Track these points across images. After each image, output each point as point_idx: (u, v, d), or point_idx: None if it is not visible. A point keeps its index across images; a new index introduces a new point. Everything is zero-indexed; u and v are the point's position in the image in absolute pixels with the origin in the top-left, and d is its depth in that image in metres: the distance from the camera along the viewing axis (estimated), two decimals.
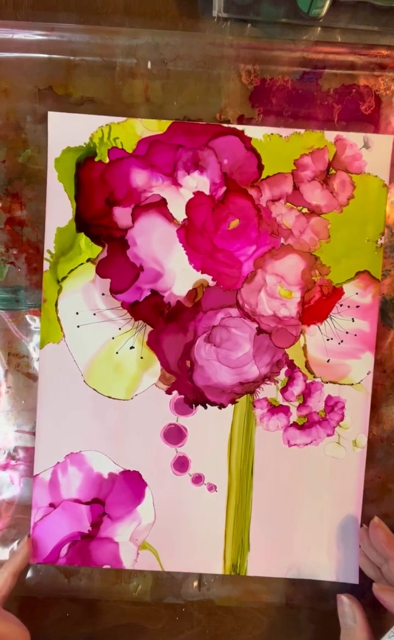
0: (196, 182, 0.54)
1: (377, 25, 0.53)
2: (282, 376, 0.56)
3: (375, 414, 0.56)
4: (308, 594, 0.56)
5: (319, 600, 0.56)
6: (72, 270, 0.54)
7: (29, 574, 0.56)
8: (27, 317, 0.55)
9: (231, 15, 0.53)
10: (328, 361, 0.56)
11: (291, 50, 0.53)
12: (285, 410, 0.56)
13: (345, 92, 0.54)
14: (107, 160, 0.54)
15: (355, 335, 0.56)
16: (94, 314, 0.55)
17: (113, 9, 0.54)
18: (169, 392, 0.55)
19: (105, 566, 0.55)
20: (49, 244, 0.54)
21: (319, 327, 0.55)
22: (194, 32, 0.54)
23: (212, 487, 0.56)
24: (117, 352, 0.55)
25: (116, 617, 0.56)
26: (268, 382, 0.56)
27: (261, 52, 0.53)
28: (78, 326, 0.55)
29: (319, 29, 0.54)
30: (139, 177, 0.54)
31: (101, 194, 0.54)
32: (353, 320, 0.55)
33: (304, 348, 0.55)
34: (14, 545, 0.55)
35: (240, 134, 0.54)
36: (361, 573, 0.55)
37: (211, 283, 0.55)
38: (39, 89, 0.53)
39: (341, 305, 0.55)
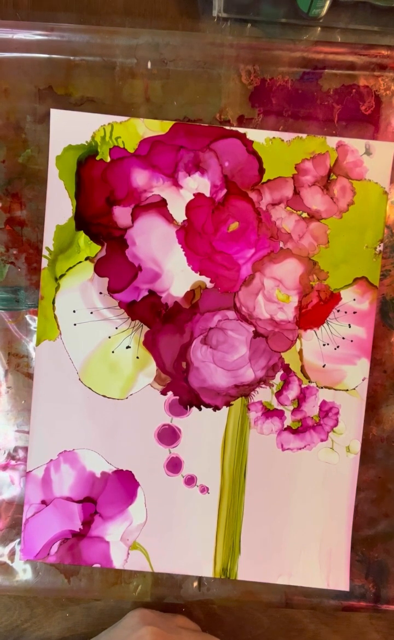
0: (197, 184, 0.54)
1: (377, 25, 0.52)
2: (277, 380, 0.55)
3: (375, 414, 0.56)
4: (308, 594, 0.56)
5: (319, 600, 0.56)
6: (70, 268, 0.54)
7: (29, 574, 0.56)
8: (27, 317, 0.55)
9: (231, 15, 0.52)
10: (324, 366, 0.55)
11: (291, 50, 0.52)
12: (279, 414, 0.55)
13: (345, 92, 0.53)
14: (108, 159, 0.54)
15: (351, 341, 0.55)
16: (91, 313, 0.55)
17: (113, 9, 0.54)
18: (164, 392, 0.55)
19: (95, 565, 0.55)
20: (48, 242, 0.54)
21: (315, 332, 0.55)
22: (194, 32, 0.53)
23: (204, 489, 0.55)
24: (113, 352, 0.55)
25: (116, 617, 0.56)
26: (263, 385, 0.55)
27: (261, 52, 0.52)
28: (75, 324, 0.55)
29: (319, 29, 0.53)
30: (139, 177, 0.54)
31: (102, 193, 0.54)
32: (350, 327, 0.55)
33: (300, 352, 0.55)
34: (15, 545, 0.56)
35: (242, 137, 0.54)
36: (351, 580, 0.55)
37: (209, 285, 0.55)
38: (39, 89, 0.53)
39: (338, 311, 0.55)
